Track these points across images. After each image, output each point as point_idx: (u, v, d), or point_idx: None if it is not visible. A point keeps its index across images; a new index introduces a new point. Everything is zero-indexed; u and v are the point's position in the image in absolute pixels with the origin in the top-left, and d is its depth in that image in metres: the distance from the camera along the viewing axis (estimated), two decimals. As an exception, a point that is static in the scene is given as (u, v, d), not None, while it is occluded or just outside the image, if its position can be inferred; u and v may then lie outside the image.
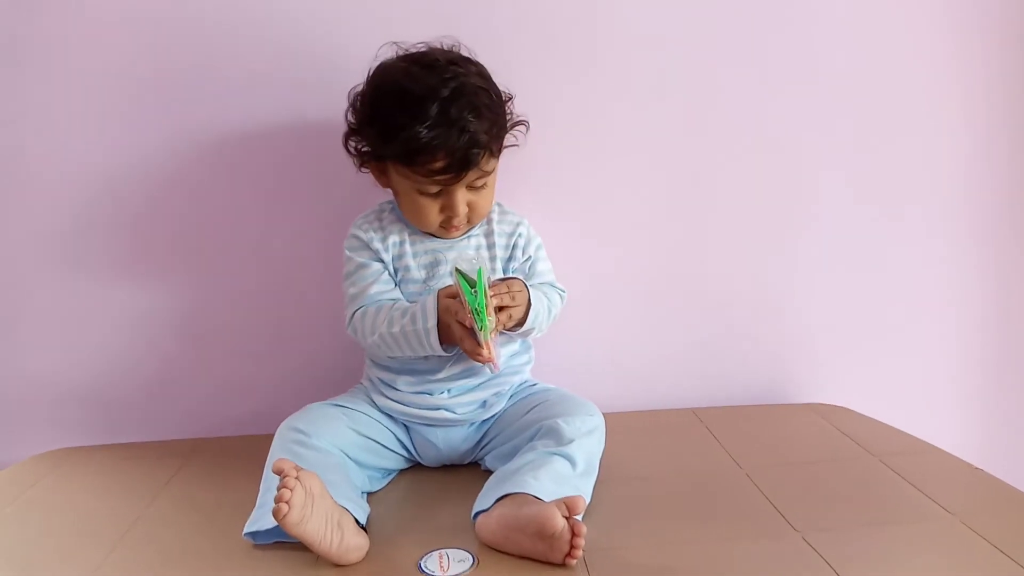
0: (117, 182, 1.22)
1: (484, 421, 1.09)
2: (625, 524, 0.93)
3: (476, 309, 0.94)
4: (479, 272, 0.95)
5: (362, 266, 1.08)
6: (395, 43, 1.06)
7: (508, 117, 1.07)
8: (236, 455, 1.16)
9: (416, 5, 1.20)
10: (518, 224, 1.13)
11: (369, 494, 1.02)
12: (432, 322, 0.99)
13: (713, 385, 1.35)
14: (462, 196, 1.03)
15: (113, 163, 1.21)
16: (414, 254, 1.09)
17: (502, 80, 1.07)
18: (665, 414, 1.30)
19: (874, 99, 1.32)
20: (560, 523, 0.81)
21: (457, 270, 0.97)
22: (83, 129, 1.20)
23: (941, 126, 1.34)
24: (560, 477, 0.91)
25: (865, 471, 1.06)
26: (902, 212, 1.36)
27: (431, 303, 1.00)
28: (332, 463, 0.95)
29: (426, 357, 1.05)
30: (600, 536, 0.87)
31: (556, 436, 0.97)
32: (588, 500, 0.93)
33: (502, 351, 1.06)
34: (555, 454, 0.94)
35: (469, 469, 1.10)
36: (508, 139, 1.08)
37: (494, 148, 1.03)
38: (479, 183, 1.03)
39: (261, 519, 0.88)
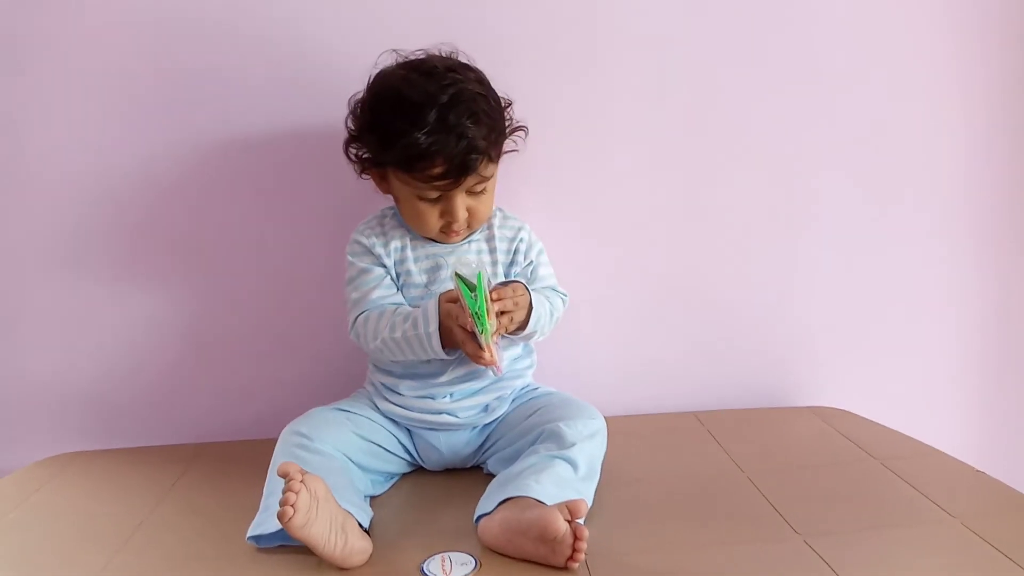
0: (119, 184, 1.22)
1: (486, 425, 1.09)
2: (627, 527, 0.93)
3: (476, 313, 0.94)
4: (479, 276, 0.95)
5: (364, 271, 1.08)
6: (394, 50, 1.06)
7: (507, 123, 1.08)
8: (239, 459, 1.16)
9: (415, 12, 1.20)
10: (519, 229, 1.14)
11: (372, 498, 1.02)
12: (434, 326, 0.99)
13: (714, 388, 1.36)
14: (461, 201, 1.03)
15: (115, 165, 1.22)
16: (415, 259, 1.09)
17: (501, 83, 1.07)
18: (666, 417, 1.30)
19: (874, 99, 1.32)
20: (562, 527, 0.81)
21: (457, 274, 0.97)
22: (84, 131, 1.21)
23: (941, 126, 1.35)
24: (562, 481, 0.92)
25: (866, 474, 1.06)
26: (902, 213, 1.36)
27: (432, 307, 1.00)
28: (335, 467, 0.96)
29: (428, 361, 1.05)
30: (602, 539, 0.87)
31: (558, 440, 0.98)
32: (590, 503, 0.93)
33: (504, 355, 1.06)
34: (557, 458, 0.95)
35: (471, 473, 1.10)
36: (507, 144, 1.09)
37: (493, 154, 1.03)
38: (478, 188, 1.04)
39: (265, 523, 0.88)
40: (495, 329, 0.97)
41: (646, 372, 1.34)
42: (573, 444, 0.97)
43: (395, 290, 1.09)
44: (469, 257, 1.08)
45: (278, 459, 0.95)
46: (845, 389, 1.37)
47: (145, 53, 1.20)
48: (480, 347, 0.96)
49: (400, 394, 1.08)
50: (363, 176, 1.09)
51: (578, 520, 0.82)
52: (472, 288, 0.95)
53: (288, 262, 1.26)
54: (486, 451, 1.09)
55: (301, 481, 0.80)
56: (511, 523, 0.85)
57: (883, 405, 1.32)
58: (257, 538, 0.89)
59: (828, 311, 1.37)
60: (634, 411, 1.31)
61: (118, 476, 1.14)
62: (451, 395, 1.07)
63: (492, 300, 0.96)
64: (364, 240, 1.09)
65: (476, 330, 0.94)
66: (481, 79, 1.05)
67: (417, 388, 1.07)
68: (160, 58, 1.20)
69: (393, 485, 1.08)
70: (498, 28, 1.22)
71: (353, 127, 1.07)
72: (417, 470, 1.12)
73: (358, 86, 1.06)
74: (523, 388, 1.13)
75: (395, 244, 1.09)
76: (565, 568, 0.82)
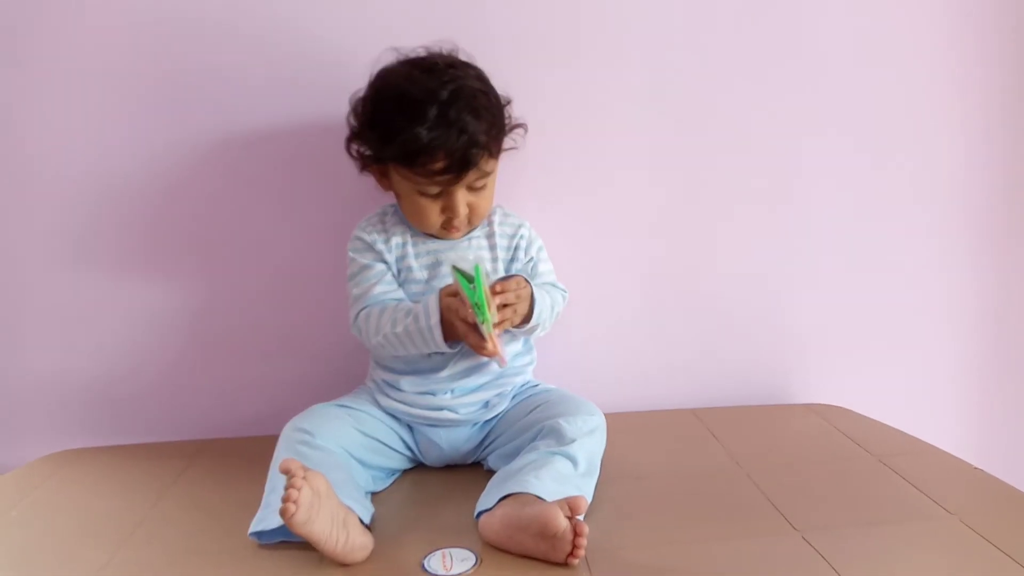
0: (120, 183, 1.22)
1: (487, 421, 1.10)
2: (626, 523, 0.93)
3: (476, 304, 0.94)
4: (476, 268, 0.95)
5: (366, 267, 1.09)
6: (395, 48, 1.07)
7: (506, 120, 1.08)
8: (241, 456, 1.17)
9: (416, 11, 1.20)
10: (519, 226, 1.14)
11: (373, 494, 1.02)
12: (435, 319, 1.00)
13: (713, 385, 1.36)
14: (462, 197, 1.04)
15: (116, 164, 1.22)
16: (416, 255, 1.09)
17: (500, 81, 1.07)
18: (665, 414, 1.31)
19: (873, 100, 1.32)
20: (563, 523, 0.81)
21: (455, 268, 0.98)
22: (85, 130, 1.21)
23: (940, 127, 1.35)
24: (562, 477, 0.92)
25: (864, 470, 1.07)
26: (901, 212, 1.37)
27: (433, 302, 1.01)
28: (337, 463, 0.96)
29: (429, 356, 1.06)
30: (601, 535, 0.88)
31: (558, 436, 0.98)
32: (590, 500, 0.93)
33: (507, 350, 1.06)
34: (557, 454, 0.95)
35: (472, 469, 1.10)
36: (507, 142, 1.10)
37: (493, 149, 1.04)
38: (479, 184, 1.04)
39: (267, 519, 0.88)
40: (497, 321, 0.97)
41: (645, 369, 1.35)
42: (573, 440, 0.97)
43: (396, 286, 1.09)
44: (467, 255, 1.08)
45: (280, 455, 0.96)
46: (843, 386, 1.37)
47: (145, 52, 1.20)
48: (482, 338, 0.96)
49: (401, 390, 1.08)
50: (364, 173, 1.10)
51: (578, 516, 0.82)
52: (470, 280, 0.96)
53: (289, 260, 1.26)
54: (486, 447, 1.10)
55: (303, 478, 0.81)
56: (512, 519, 0.86)
57: (881, 402, 1.32)
58: (259, 534, 0.89)
59: (827, 309, 1.37)
60: (633, 408, 1.32)
61: (120, 473, 1.14)
62: (452, 391, 1.08)
63: (495, 293, 0.97)
64: (365, 236, 1.10)
65: (477, 321, 0.95)
66: (481, 76, 1.05)
67: (418, 384, 1.08)
68: (160, 57, 1.20)
69: (394, 481, 1.08)
70: (497, 26, 1.23)
71: (355, 123, 1.07)
72: (418, 466, 1.12)
73: (359, 84, 1.07)
74: (523, 385, 1.13)
75: (396, 240, 1.09)
76: (565, 564, 0.83)
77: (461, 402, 1.07)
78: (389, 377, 1.09)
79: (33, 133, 1.21)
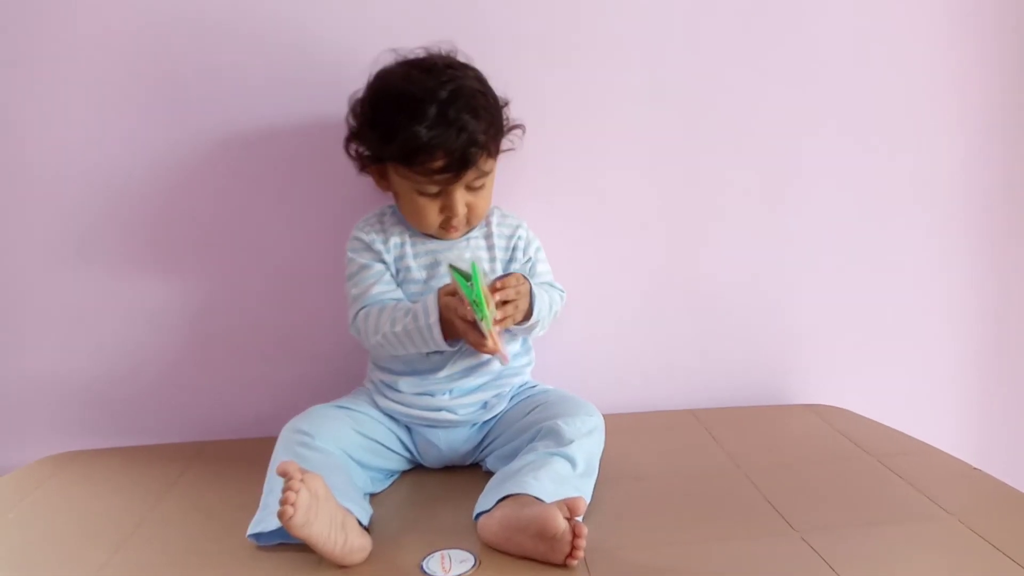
0: (120, 183, 1.22)
1: (485, 422, 1.10)
2: (625, 524, 0.93)
3: (474, 301, 0.94)
4: (473, 265, 0.96)
5: (364, 267, 1.09)
6: (394, 50, 1.07)
7: (505, 121, 1.09)
8: (240, 458, 1.17)
9: (415, 12, 1.20)
10: (517, 227, 1.15)
11: (371, 495, 1.02)
12: (434, 318, 1.00)
13: (712, 386, 1.36)
14: (461, 196, 1.04)
15: (115, 164, 1.22)
16: (415, 255, 1.10)
17: (500, 81, 1.08)
18: (664, 415, 1.31)
19: (873, 99, 1.32)
20: (562, 524, 0.81)
21: (451, 266, 0.98)
22: (85, 130, 1.21)
23: (940, 126, 1.35)
24: (560, 478, 0.92)
25: (863, 471, 1.07)
26: (900, 212, 1.36)
27: (432, 301, 1.01)
28: (335, 464, 0.96)
29: (428, 356, 1.06)
30: (600, 536, 0.88)
31: (556, 437, 0.98)
32: (588, 501, 0.93)
33: (507, 348, 1.07)
34: (555, 455, 0.95)
35: (470, 470, 1.10)
36: (505, 143, 1.10)
37: (492, 148, 1.05)
38: (477, 183, 1.05)
39: (265, 520, 0.88)
40: (497, 317, 0.97)
41: (644, 369, 1.35)
42: (571, 441, 0.97)
43: (395, 286, 1.09)
44: (465, 254, 1.09)
45: (279, 456, 0.96)
46: (842, 387, 1.37)
47: (145, 52, 1.20)
48: (482, 335, 0.96)
49: (399, 391, 1.08)
50: (363, 173, 1.10)
51: (577, 517, 0.82)
52: (467, 278, 0.96)
53: (289, 260, 1.26)
54: (485, 448, 1.10)
55: (301, 480, 0.81)
56: (510, 520, 0.86)
57: (881, 402, 1.32)
58: (257, 536, 0.89)
59: (826, 309, 1.37)
60: (632, 408, 1.32)
61: (118, 474, 1.14)
62: (450, 392, 1.08)
63: (495, 291, 0.97)
64: (364, 236, 1.10)
65: (476, 318, 0.95)
66: (479, 77, 1.06)
67: (416, 385, 1.08)
68: (160, 57, 1.20)
69: (393, 483, 1.08)
70: (497, 27, 1.23)
71: (354, 123, 1.08)
72: (416, 468, 1.12)
73: (358, 85, 1.07)
74: (522, 385, 1.13)
75: (395, 240, 1.10)
76: (564, 565, 0.83)
77: (459, 403, 1.08)
78: (387, 378, 1.09)
79: (33, 133, 1.21)
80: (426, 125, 0.98)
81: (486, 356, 1.05)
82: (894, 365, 1.40)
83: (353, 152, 1.09)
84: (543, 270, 1.15)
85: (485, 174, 1.05)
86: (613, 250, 1.32)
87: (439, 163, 1.00)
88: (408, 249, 1.10)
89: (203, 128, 1.22)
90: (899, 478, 1.03)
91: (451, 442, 1.09)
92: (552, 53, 1.25)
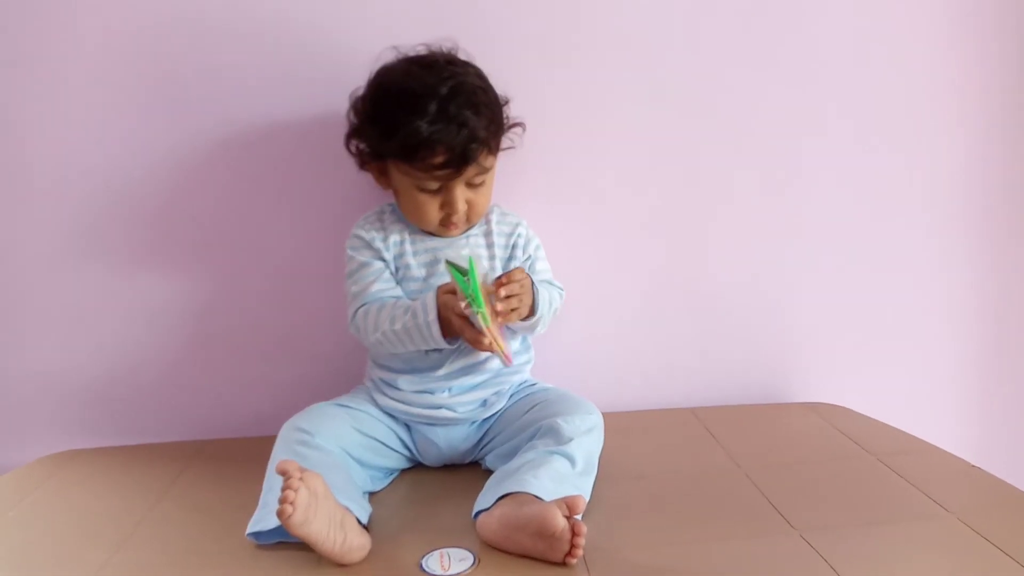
0: (121, 183, 1.22)
1: (485, 420, 1.10)
2: (624, 523, 0.93)
3: (471, 295, 0.94)
4: (470, 260, 0.95)
5: (364, 265, 1.09)
6: (395, 47, 1.08)
7: (505, 119, 1.09)
8: (239, 457, 1.17)
9: (416, 11, 1.20)
10: (517, 225, 1.15)
11: (371, 494, 1.02)
12: (433, 315, 1.00)
13: (712, 385, 1.36)
14: (461, 193, 1.04)
15: (116, 164, 1.22)
16: (414, 253, 1.10)
17: (500, 81, 1.08)
18: (663, 413, 1.31)
19: (873, 99, 1.32)
20: (561, 523, 0.81)
21: (448, 262, 0.98)
22: (85, 130, 1.21)
23: (940, 126, 1.35)
24: (560, 476, 0.92)
25: (863, 470, 1.06)
26: (900, 212, 1.36)
27: (431, 298, 1.01)
28: (334, 463, 0.96)
29: (427, 354, 1.06)
30: (599, 535, 0.88)
31: (555, 435, 0.98)
32: (588, 499, 0.93)
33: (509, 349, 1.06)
34: (555, 453, 0.95)
35: (470, 469, 1.10)
36: (505, 141, 1.10)
37: (492, 145, 1.05)
38: (478, 180, 1.05)
39: (264, 519, 0.88)
40: (500, 311, 0.96)
41: (643, 368, 1.35)
42: (571, 440, 0.97)
43: (394, 284, 1.09)
44: (464, 252, 1.09)
45: (278, 455, 0.96)
46: (842, 385, 1.37)
47: (145, 52, 1.20)
48: (480, 332, 0.96)
49: (399, 389, 1.08)
50: (363, 170, 1.10)
51: (576, 516, 0.82)
52: (464, 273, 0.96)
53: (289, 260, 1.26)
54: (484, 446, 1.10)
55: (300, 479, 0.81)
56: (509, 519, 0.86)
57: (881, 402, 1.32)
58: (256, 534, 0.89)
59: (826, 309, 1.37)
60: (631, 407, 1.32)
61: (118, 473, 1.14)
62: (449, 390, 1.08)
63: (499, 286, 0.97)
64: (364, 234, 1.10)
65: (470, 312, 0.95)
66: (480, 74, 1.07)
67: (416, 383, 1.08)
68: (160, 57, 1.20)
69: (392, 481, 1.08)
70: (497, 27, 1.23)
71: (355, 120, 1.08)
72: (416, 466, 1.12)
73: (358, 82, 1.07)
74: (521, 384, 1.13)
75: (394, 238, 1.10)
76: (563, 564, 0.83)
77: (459, 400, 1.08)
78: (387, 376, 1.09)
79: (33, 133, 1.21)
80: (427, 120, 0.98)
81: (485, 354, 1.05)
82: (894, 365, 1.40)
83: (353, 149, 1.09)
84: (542, 268, 1.15)
85: (485, 171, 1.05)
86: (613, 250, 1.32)
87: (440, 159, 1.00)
88: (408, 247, 1.10)
89: (203, 128, 1.22)
90: (899, 477, 1.03)
91: (450, 440, 1.09)
92: (552, 53, 1.25)
